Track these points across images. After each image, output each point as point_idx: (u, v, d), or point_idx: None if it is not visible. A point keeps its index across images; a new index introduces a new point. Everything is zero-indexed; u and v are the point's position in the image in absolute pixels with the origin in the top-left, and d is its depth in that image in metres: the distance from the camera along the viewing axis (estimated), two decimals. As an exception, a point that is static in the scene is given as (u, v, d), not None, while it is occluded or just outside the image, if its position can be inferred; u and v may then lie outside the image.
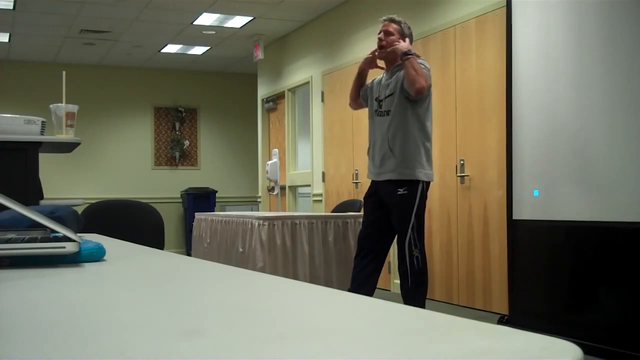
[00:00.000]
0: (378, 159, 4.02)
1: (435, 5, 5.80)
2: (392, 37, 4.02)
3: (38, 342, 0.46)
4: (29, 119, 3.06)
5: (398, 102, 3.92)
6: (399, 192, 3.88)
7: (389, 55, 4.00)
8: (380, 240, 4.05)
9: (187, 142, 10.77)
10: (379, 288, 6.32)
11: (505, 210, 4.31)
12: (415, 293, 3.89)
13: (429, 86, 3.90)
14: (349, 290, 3.73)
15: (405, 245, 3.85)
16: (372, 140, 4.13)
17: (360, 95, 4.29)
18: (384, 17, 4.15)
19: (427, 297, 5.18)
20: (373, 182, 4.10)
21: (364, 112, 7.35)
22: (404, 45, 3.90)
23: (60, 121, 3.26)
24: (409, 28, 4.14)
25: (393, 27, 4.07)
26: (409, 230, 3.83)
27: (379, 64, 4.18)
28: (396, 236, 3.97)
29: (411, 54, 3.82)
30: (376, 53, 4.11)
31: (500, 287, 4.87)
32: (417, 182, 3.88)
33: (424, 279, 3.92)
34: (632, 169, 3.48)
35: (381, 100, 4.06)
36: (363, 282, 3.97)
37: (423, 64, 3.88)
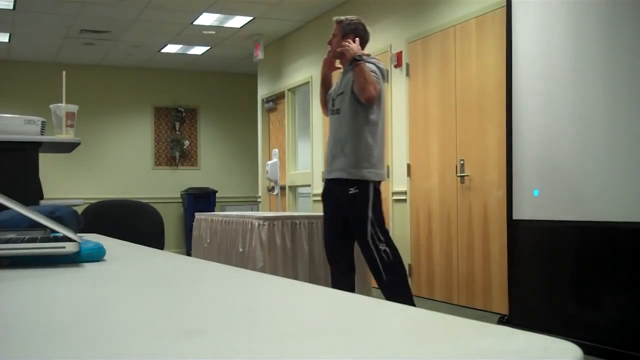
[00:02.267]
0: (330, 157, 4.00)
1: (435, 5, 5.80)
2: (334, 40, 4.07)
3: (38, 342, 0.46)
4: (28, 119, 3.06)
5: (349, 102, 3.92)
6: (350, 192, 3.85)
7: (340, 57, 4.05)
8: (344, 239, 4.03)
9: (187, 142, 10.77)
10: (379, 288, 6.33)
11: (505, 210, 4.31)
12: (393, 286, 3.82)
13: (379, 92, 3.89)
14: None
15: (368, 242, 3.80)
16: (328, 138, 4.13)
17: (327, 100, 4.27)
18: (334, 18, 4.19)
19: (427, 297, 5.16)
20: (327, 180, 4.08)
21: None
22: (353, 48, 3.88)
23: (60, 121, 3.26)
24: (352, 24, 4.12)
25: (336, 29, 4.11)
26: (369, 226, 3.79)
27: (337, 65, 4.21)
28: (356, 238, 3.94)
29: (360, 60, 3.80)
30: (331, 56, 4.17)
31: (500, 287, 4.87)
32: (368, 182, 3.85)
33: (399, 269, 3.87)
34: (632, 169, 3.48)
35: (334, 99, 4.06)
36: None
37: (374, 70, 3.86)
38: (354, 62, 3.80)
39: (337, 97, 4.02)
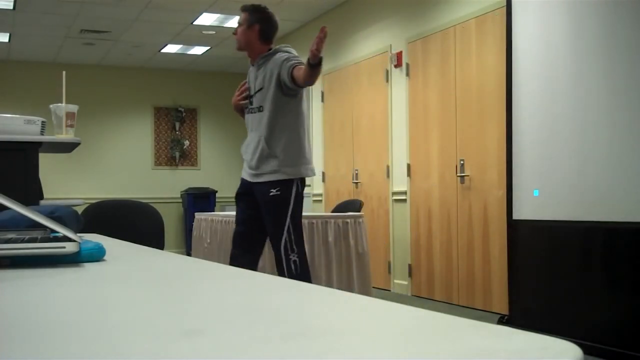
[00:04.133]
0: (255, 160, 3.70)
1: (435, 5, 5.80)
2: (239, 29, 3.71)
3: (38, 342, 0.46)
4: (28, 119, 3.06)
5: (273, 97, 3.63)
6: (271, 193, 3.63)
7: (245, 48, 3.73)
8: (253, 240, 3.81)
9: (187, 142, 10.77)
10: (379, 288, 6.33)
11: (505, 210, 4.31)
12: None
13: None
14: None
15: (280, 249, 3.61)
16: (247, 139, 3.85)
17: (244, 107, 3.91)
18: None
19: (427, 297, 5.15)
20: (247, 182, 3.81)
21: (363, 113, 7.36)
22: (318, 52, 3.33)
23: (60, 121, 3.26)
24: (258, 12, 3.75)
25: (242, 17, 3.74)
26: (284, 233, 3.60)
27: (242, 102, 3.84)
28: (269, 239, 3.73)
29: (320, 61, 3.33)
30: (245, 86, 3.84)
31: (500, 287, 4.88)
32: (291, 181, 3.64)
33: (305, 281, 3.69)
34: (632, 169, 3.48)
35: (252, 97, 3.76)
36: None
37: (299, 60, 3.59)
38: (318, 64, 3.34)
39: (255, 94, 3.72)
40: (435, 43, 5.76)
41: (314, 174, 3.82)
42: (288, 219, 3.62)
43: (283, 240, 3.61)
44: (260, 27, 3.70)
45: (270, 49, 3.73)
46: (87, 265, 0.97)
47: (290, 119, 3.65)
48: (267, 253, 4.52)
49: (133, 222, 3.23)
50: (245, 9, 3.77)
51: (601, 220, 3.61)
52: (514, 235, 4.23)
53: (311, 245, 4.66)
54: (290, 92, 3.61)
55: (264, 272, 1.42)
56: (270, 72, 3.63)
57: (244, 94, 3.83)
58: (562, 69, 3.90)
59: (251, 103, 3.77)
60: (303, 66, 3.47)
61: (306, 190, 8.95)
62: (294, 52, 3.70)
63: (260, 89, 3.69)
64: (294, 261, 3.61)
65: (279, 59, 3.63)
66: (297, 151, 3.66)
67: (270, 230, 3.67)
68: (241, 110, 3.90)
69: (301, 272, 3.59)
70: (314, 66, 3.35)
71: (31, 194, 3.00)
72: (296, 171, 3.65)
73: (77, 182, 9.96)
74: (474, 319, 0.49)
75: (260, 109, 3.70)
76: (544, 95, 4.01)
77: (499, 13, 4.89)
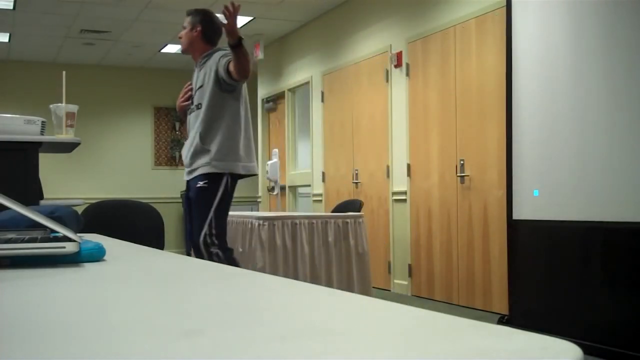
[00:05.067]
0: (189, 156, 3.72)
1: (435, 5, 5.80)
2: (183, 32, 3.79)
3: (38, 342, 0.46)
4: (28, 119, 3.06)
5: (211, 93, 3.64)
6: (198, 185, 3.62)
7: (188, 50, 3.78)
8: None
9: (187, 142, 10.78)
10: (379, 288, 6.33)
11: (505, 210, 4.31)
12: None
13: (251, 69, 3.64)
14: None
15: (199, 242, 3.57)
16: (187, 140, 3.85)
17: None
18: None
19: (427, 297, 5.15)
20: (187, 182, 3.82)
21: (363, 113, 7.36)
22: (237, 31, 3.44)
23: (60, 121, 3.26)
24: (200, 14, 3.81)
25: (186, 21, 3.81)
26: (205, 226, 3.56)
27: (185, 103, 3.86)
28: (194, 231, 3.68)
29: (241, 43, 3.40)
30: (189, 88, 3.84)
31: (500, 287, 4.88)
32: (222, 175, 3.62)
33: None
34: (632, 169, 3.48)
35: (193, 96, 3.78)
36: None
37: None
38: (238, 43, 3.39)
39: (196, 93, 3.74)
40: (435, 43, 5.76)
41: (251, 173, 3.77)
42: (211, 213, 3.58)
43: (203, 234, 3.56)
44: (202, 29, 3.77)
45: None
46: (87, 265, 0.97)
47: (227, 116, 3.64)
48: (267, 252, 4.52)
49: (133, 222, 3.23)
50: (188, 12, 3.85)
51: (601, 220, 3.61)
52: (514, 235, 4.23)
53: (311, 245, 4.66)
54: (228, 87, 3.62)
55: (264, 272, 1.42)
56: (210, 69, 3.66)
57: (187, 93, 3.85)
58: (562, 69, 3.90)
59: (192, 102, 3.78)
60: None
61: (306, 190, 8.88)
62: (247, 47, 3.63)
63: (200, 87, 3.71)
64: (216, 253, 3.57)
65: (217, 55, 3.67)
66: (232, 147, 3.63)
67: (195, 222, 3.63)
68: (185, 114, 3.91)
69: (226, 261, 3.46)
70: (235, 47, 3.36)
71: (31, 194, 3.00)
72: (227, 166, 3.62)
73: (77, 182, 9.96)
74: (474, 319, 0.49)
75: (198, 106, 3.72)
76: (544, 95, 4.01)
77: (499, 13, 4.89)
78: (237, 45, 3.38)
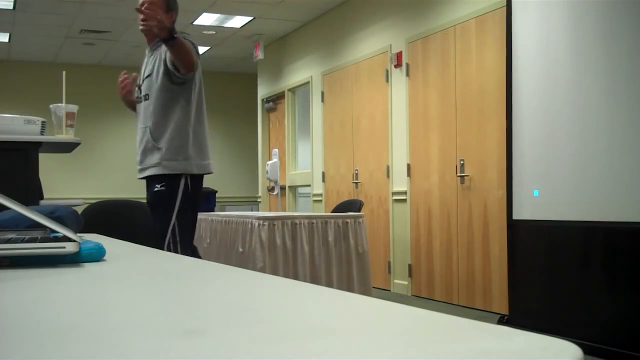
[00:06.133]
0: (140, 152, 3.50)
1: (435, 5, 5.80)
2: (156, 8, 3.25)
3: (38, 342, 0.46)
4: (29, 119, 3.06)
5: (161, 85, 3.38)
6: (155, 189, 3.42)
7: (150, 30, 3.34)
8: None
9: (187, 142, 10.78)
10: (379, 288, 6.33)
11: (505, 210, 4.31)
12: None
13: (198, 65, 3.42)
14: None
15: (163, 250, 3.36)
16: (136, 132, 3.59)
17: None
18: None
19: (427, 297, 5.16)
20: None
21: (363, 113, 7.35)
22: (166, 22, 3.16)
23: (60, 121, 3.26)
24: (175, 2, 3.54)
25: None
26: (168, 233, 3.34)
27: (129, 97, 3.61)
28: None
29: (176, 35, 3.13)
30: (125, 77, 3.58)
31: (500, 287, 4.88)
32: (179, 176, 3.39)
33: None
34: (632, 169, 3.48)
35: (140, 85, 3.52)
36: None
37: (190, 45, 3.32)
38: (171, 38, 3.13)
39: (143, 81, 3.48)
40: (435, 43, 5.76)
41: (205, 172, 3.54)
42: (174, 218, 3.36)
43: (166, 241, 3.34)
44: (175, 17, 3.49)
45: None
46: (87, 265, 0.97)
47: (178, 109, 3.40)
48: (267, 252, 4.52)
49: (133, 222, 3.22)
50: None
51: (601, 220, 3.61)
52: (514, 235, 4.23)
53: (311, 245, 4.66)
54: (177, 79, 3.37)
55: (264, 272, 1.42)
56: (160, 58, 3.42)
57: (125, 84, 3.58)
58: (562, 68, 3.90)
59: (140, 91, 3.52)
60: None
61: (306, 190, 8.88)
62: (192, 40, 3.38)
63: (149, 76, 3.46)
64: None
65: None
66: (182, 145, 3.40)
67: (157, 229, 3.35)
68: (133, 106, 3.64)
69: None
70: (168, 41, 3.12)
71: (31, 194, 3.00)
72: (180, 166, 3.39)
73: (77, 182, 9.96)
74: (474, 319, 0.49)
75: (146, 97, 3.47)
76: (544, 95, 4.01)
77: (499, 13, 4.89)
78: (170, 38, 3.10)
